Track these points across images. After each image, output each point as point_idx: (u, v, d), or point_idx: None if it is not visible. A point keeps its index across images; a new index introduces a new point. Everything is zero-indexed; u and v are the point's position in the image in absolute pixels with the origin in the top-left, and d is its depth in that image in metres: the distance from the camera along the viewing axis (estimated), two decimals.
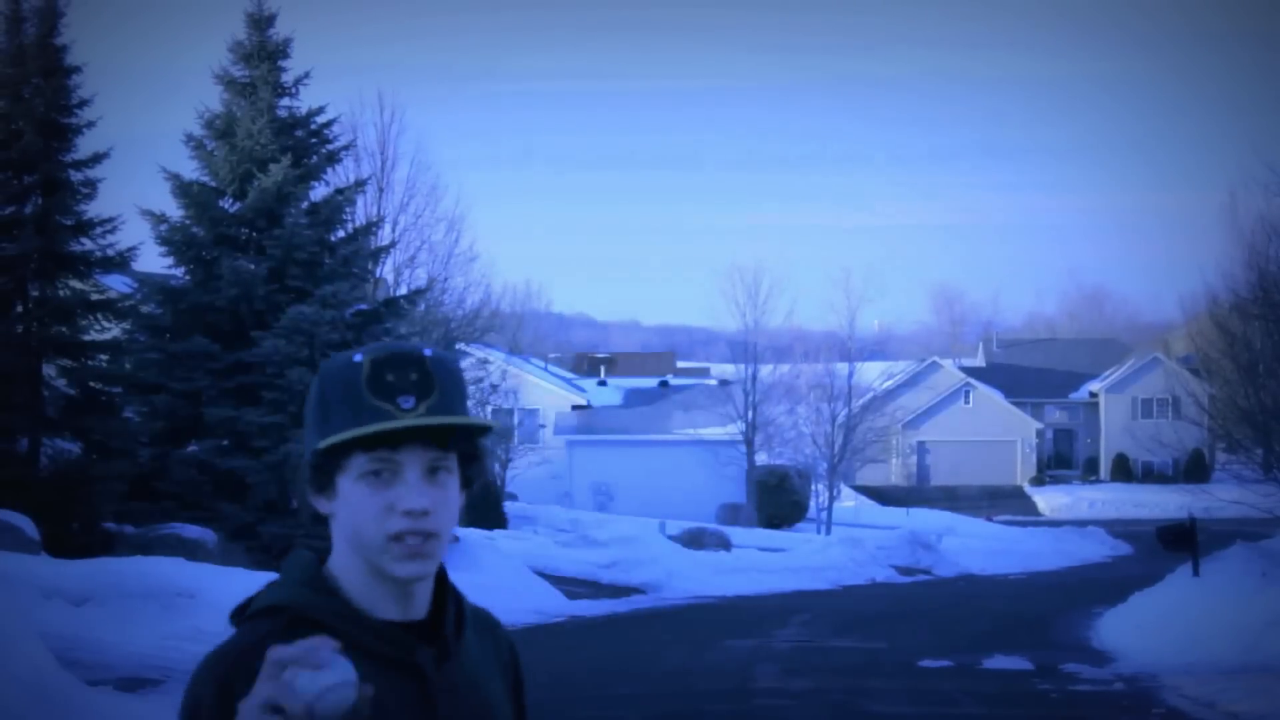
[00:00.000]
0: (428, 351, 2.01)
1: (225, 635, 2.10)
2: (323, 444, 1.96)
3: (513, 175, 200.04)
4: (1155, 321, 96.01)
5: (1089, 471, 79.67)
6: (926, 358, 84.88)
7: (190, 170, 26.04)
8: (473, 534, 29.43)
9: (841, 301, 55.72)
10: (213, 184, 26.01)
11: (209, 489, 23.90)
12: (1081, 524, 55.03)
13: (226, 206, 26.05)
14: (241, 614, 2.06)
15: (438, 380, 1.98)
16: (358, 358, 1.99)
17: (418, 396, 1.95)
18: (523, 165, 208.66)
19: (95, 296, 24.01)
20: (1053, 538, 47.17)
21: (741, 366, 52.49)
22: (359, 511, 1.97)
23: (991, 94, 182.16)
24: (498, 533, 33.65)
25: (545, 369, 63.28)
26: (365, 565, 1.99)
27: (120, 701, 12.46)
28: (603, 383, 65.66)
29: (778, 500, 50.59)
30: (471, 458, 2.03)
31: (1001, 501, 70.72)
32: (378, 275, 33.79)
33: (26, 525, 19.17)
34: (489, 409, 46.91)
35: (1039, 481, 76.80)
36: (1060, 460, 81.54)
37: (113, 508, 22.76)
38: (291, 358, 24.13)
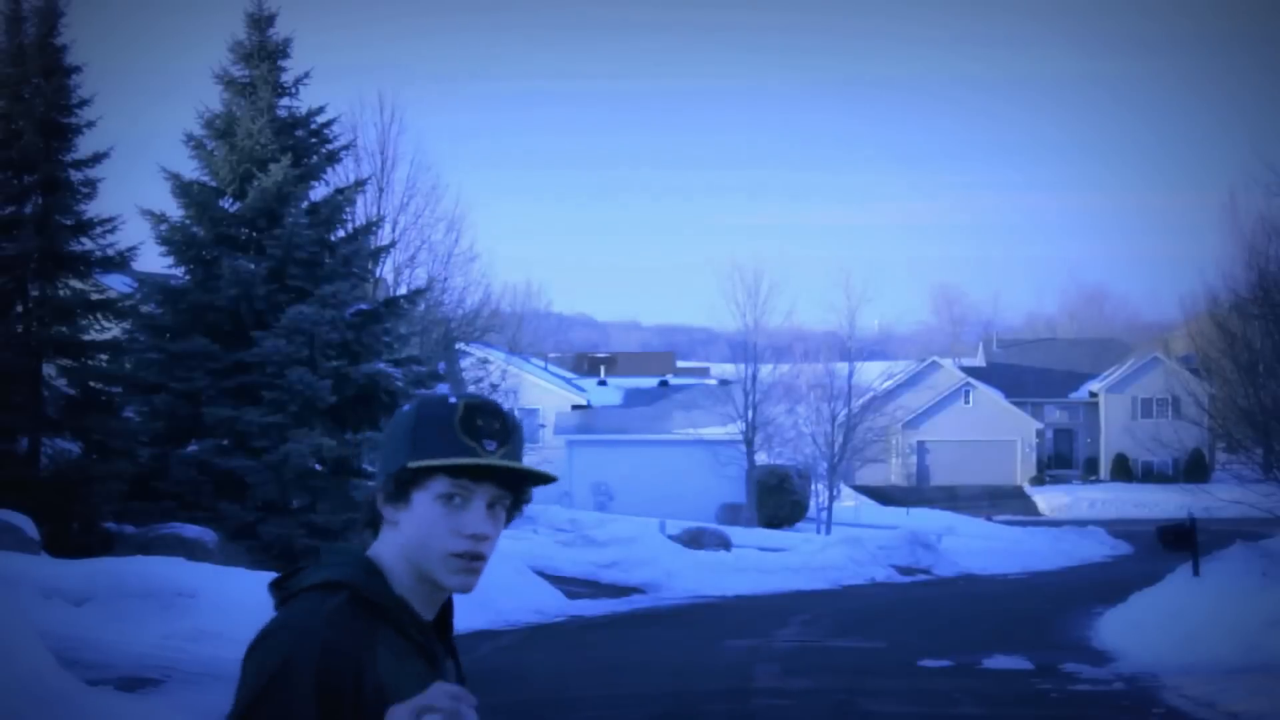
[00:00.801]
0: (506, 407, 2.39)
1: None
2: (417, 464, 2.28)
3: (513, 175, 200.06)
4: (1155, 321, 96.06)
5: (1089, 471, 79.69)
6: (926, 357, 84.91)
7: (190, 170, 26.06)
8: None
9: (841, 301, 55.74)
10: (213, 184, 26.01)
11: (209, 489, 23.90)
12: (1081, 524, 55.03)
13: (226, 206, 26.05)
14: (282, 586, 2.33)
15: (514, 433, 2.35)
16: (453, 400, 2.34)
17: (499, 442, 2.32)
18: (522, 165, 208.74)
19: (95, 296, 24.00)
20: (1053, 537, 47.15)
21: (741, 366, 52.48)
22: (431, 527, 2.30)
23: (991, 94, 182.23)
24: None
25: (545, 369, 63.28)
26: (413, 570, 2.31)
27: (120, 701, 12.46)
28: (603, 382, 65.66)
29: (778, 500, 50.59)
30: (519, 502, 2.40)
31: (1001, 501, 70.73)
32: (378, 275, 33.80)
33: (26, 525, 19.17)
34: None
35: (1039, 481, 76.81)
36: (1060, 460, 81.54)
37: (113, 508, 22.75)
38: (291, 357, 24.13)
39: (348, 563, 2.31)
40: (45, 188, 23.25)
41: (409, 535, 2.30)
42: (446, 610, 2.40)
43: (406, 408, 2.37)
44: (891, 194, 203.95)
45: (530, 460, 2.43)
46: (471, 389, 45.66)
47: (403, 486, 2.30)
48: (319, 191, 27.18)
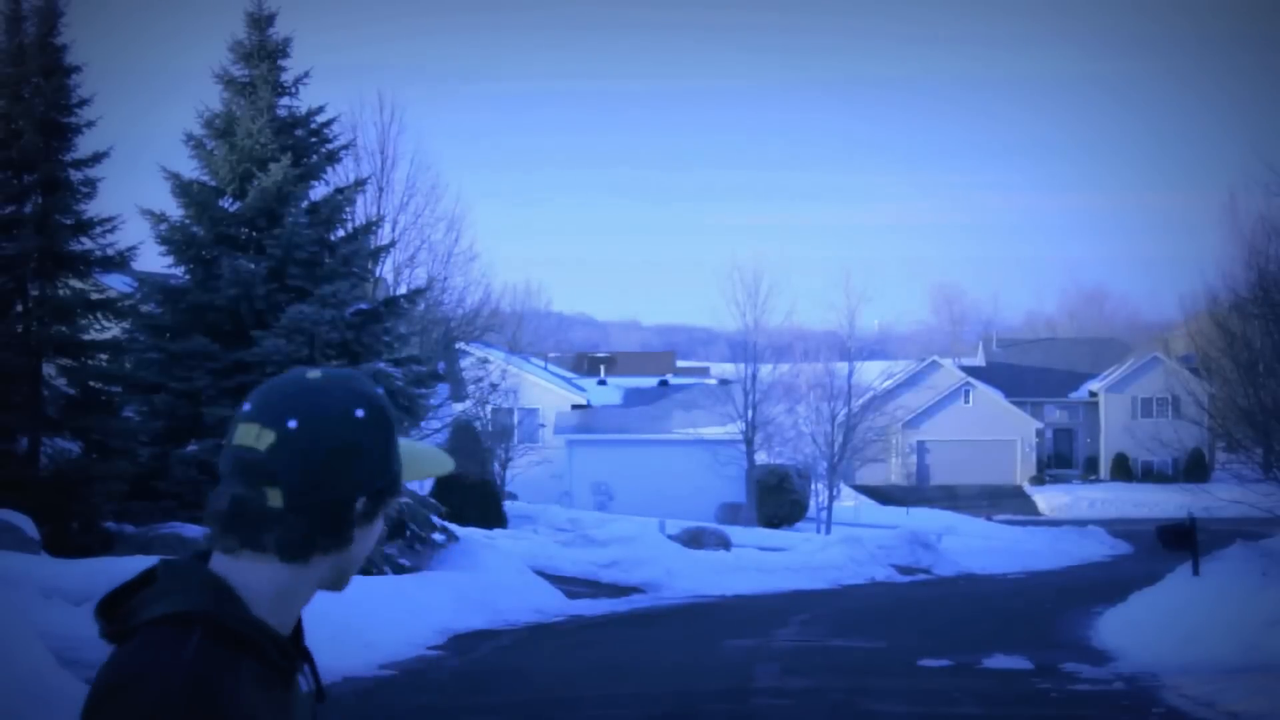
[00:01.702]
0: None
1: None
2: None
3: (513, 175, 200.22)
4: (1155, 321, 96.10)
5: (1089, 471, 79.68)
6: (926, 357, 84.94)
7: (190, 170, 26.05)
8: (473, 533, 29.44)
9: (841, 301, 55.85)
10: (213, 183, 26.00)
11: (209, 489, 23.80)
12: (1081, 523, 55.04)
13: (226, 206, 26.04)
14: (110, 613, 2.01)
15: None
16: (381, 390, 2.11)
17: None
18: (522, 165, 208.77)
19: (95, 296, 23.99)
20: (1052, 537, 47.15)
21: (741, 366, 52.51)
22: (373, 539, 2.10)
23: (991, 94, 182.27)
24: (498, 532, 33.65)
25: (545, 368, 63.28)
26: (291, 585, 2.02)
27: None
28: (602, 382, 65.68)
29: (777, 499, 50.60)
30: None
31: (1001, 501, 70.75)
32: (377, 275, 33.80)
33: (26, 525, 19.16)
34: (489, 408, 46.93)
35: (1039, 481, 76.81)
36: (1060, 460, 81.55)
37: (113, 507, 22.75)
38: (291, 357, 24.11)
39: (196, 587, 1.99)
40: (45, 187, 23.24)
41: (355, 553, 2.07)
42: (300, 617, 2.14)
43: (361, 414, 2.04)
44: (891, 194, 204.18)
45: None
46: (471, 388, 45.68)
47: (378, 500, 2.07)
48: (319, 191, 27.19)
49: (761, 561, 33.39)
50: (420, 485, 35.33)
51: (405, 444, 2.13)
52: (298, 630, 2.09)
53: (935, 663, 17.90)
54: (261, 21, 26.22)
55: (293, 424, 2.02)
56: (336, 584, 2.09)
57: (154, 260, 26.08)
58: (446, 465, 2.22)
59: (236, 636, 1.95)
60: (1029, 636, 21.17)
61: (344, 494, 2.03)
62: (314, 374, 2.08)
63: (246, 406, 2.08)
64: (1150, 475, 74.70)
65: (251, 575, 2.01)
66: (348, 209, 28.44)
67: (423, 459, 2.17)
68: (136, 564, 18.23)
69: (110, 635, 1.99)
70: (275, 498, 2.01)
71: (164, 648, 1.91)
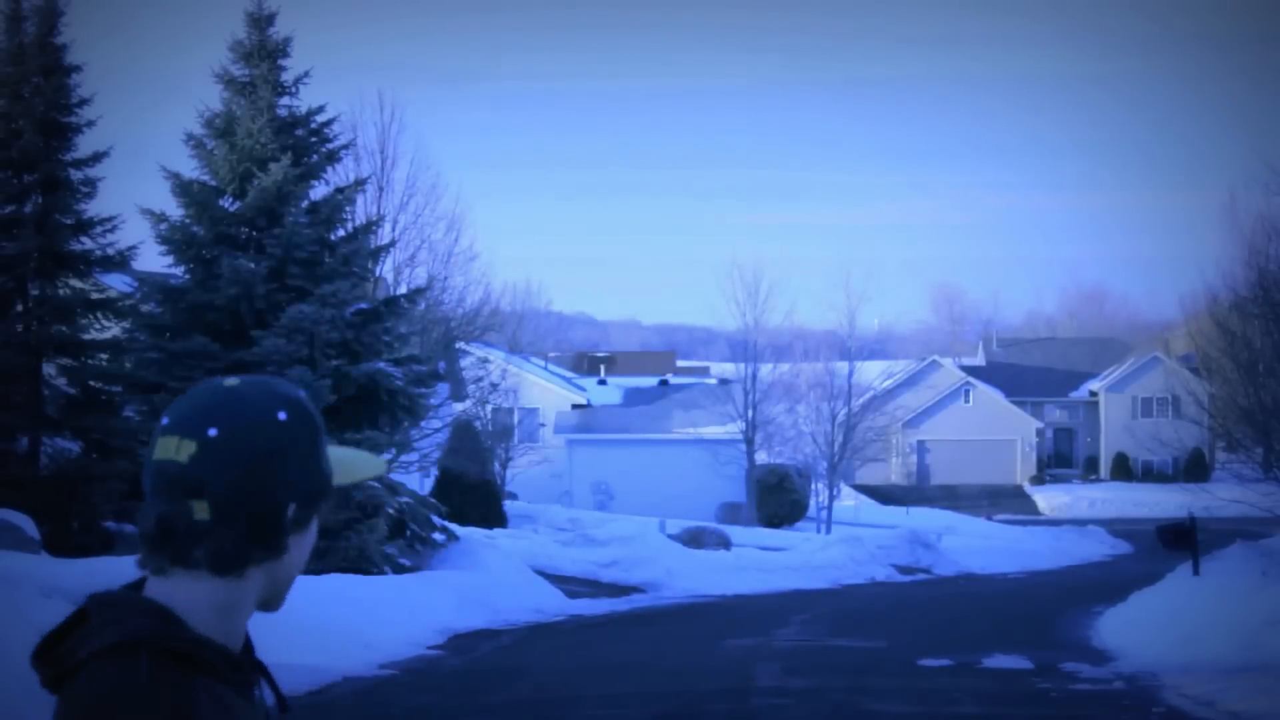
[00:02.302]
0: None
1: None
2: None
3: (512, 175, 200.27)
4: (1155, 320, 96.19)
5: (1089, 470, 79.68)
6: (926, 356, 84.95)
7: (190, 169, 26.02)
8: (473, 533, 29.44)
9: (841, 300, 55.88)
10: (213, 183, 25.98)
11: None
12: (1081, 523, 55.07)
13: (226, 205, 26.02)
14: (47, 656, 1.95)
15: None
16: (304, 394, 2.04)
17: None
18: (522, 165, 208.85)
19: (95, 295, 24.01)
20: (1052, 537, 47.18)
21: (741, 365, 52.52)
22: (308, 548, 2.02)
23: (991, 94, 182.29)
24: (498, 532, 33.65)
25: (545, 368, 63.27)
26: (228, 600, 1.96)
27: None
28: (602, 382, 65.66)
29: (778, 499, 50.60)
30: None
31: (1001, 500, 70.76)
32: (378, 274, 33.77)
33: (26, 524, 19.16)
34: (489, 408, 46.94)
35: (1039, 480, 76.80)
36: (1060, 459, 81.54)
37: (113, 507, 22.75)
38: (291, 357, 24.11)
39: (133, 614, 1.90)
40: (45, 187, 23.26)
41: (290, 563, 2.00)
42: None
43: (284, 416, 1.98)
44: (891, 194, 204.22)
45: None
46: (472, 388, 45.70)
47: (310, 506, 2.00)
48: (319, 191, 27.15)
49: (762, 561, 33.39)
50: (421, 485, 35.35)
51: (336, 449, 2.08)
52: (247, 644, 2.02)
53: (935, 662, 17.90)
54: (261, 21, 26.20)
55: (213, 432, 1.93)
56: (271, 602, 2.02)
57: (154, 260, 26.10)
58: (379, 468, 2.18)
59: (183, 656, 1.88)
60: (1029, 636, 21.17)
61: (274, 500, 1.95)
62: (231, 381, 2.01)
63: (164, 420, 1.98)
64: (1150, 475, 74.71)
65: (186, 594, 1.93)
66: (348, 208, 28.41)
67: (355, 462, 2.11)
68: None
69: (51, 681, 1.90)
70: (201, 510, 1.92)
71: (114, 679, 1.84)
